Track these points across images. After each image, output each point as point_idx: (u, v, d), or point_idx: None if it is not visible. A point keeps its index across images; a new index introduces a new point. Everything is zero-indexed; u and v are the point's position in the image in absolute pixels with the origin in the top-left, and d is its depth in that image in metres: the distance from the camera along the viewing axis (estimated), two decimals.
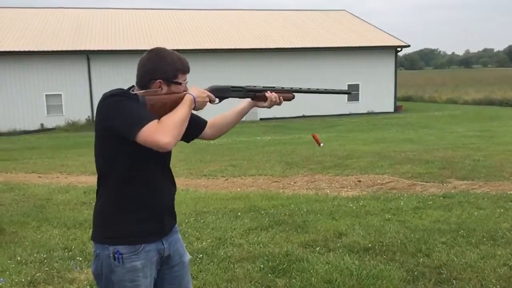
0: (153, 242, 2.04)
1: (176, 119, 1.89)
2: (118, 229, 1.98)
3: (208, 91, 2.17)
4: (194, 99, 2.02)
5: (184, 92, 2.04)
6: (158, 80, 1.99)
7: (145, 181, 2.00)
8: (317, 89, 2.46)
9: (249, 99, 2.34)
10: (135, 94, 1.98)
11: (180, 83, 2.04)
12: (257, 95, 2.29)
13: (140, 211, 2.00)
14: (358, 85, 28.71)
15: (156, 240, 2.06)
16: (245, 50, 26.97)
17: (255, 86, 2.29)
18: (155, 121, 1.84)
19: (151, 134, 1.80)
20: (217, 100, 2.20)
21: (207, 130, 2.35)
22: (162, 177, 2.08)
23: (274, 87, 2.33)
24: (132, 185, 1.98)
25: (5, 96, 23.78)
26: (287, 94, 2.34)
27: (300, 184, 7.81)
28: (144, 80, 2.01)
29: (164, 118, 1.88)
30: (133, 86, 2.06)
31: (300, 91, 2.40)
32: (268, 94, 2.29)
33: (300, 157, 10.72)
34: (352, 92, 2.64)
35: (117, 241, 1.96)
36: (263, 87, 2.30)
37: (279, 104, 2.33)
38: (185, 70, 2.07)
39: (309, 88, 2.43)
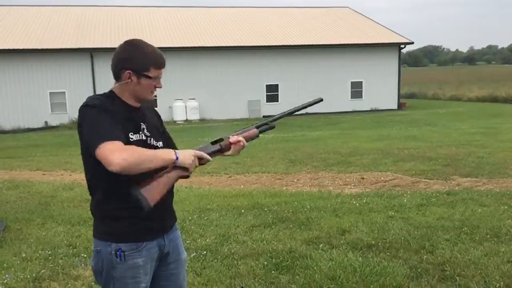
0: (154, 239, 2.05)
1: (143, 153, 1.82)
2: (121, 227, 1.98)
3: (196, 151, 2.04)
4: (176, 158, 1.90)
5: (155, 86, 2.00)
6: (128, 71, 1.96)
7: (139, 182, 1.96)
8: (290, 109, 2.37)
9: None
10: (111, 91, 1.99)
11: (150, 77, 1.98)
12: (223, 147, 2.14)
13: (139, 209, 1.95)
14: (361, 82, 28.66)
15: (158, 237, 2.07)
16: (248, 47, 26.94)
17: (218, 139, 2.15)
18: (119, 142, 1.80)
19: (105, 152, 1.75)
20: (207, 159, 2.05)
21: None
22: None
23: (237, 130, 2.23)
24: (127, 185, 1.92)
25: (9, 94, 23.84)
26: (251, 133, 2.21)
27: (304, 181, 7.81)
28: (116, 69, 1.99)
29: (133, 146, 1.85)
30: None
31: (263, 124, 2.28)
32: (232, 140, 2.14)
33: (303, 154, 10.72)
34: (322, 100, 2.56)
35: (120, 238, 1.97)
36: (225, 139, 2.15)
37: (242, 147, 2.19)
38: (159, 65, 1.99)
39: (274, 117, 2.32)
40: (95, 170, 1.93)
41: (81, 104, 1.94)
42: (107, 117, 1.87)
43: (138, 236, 1.99)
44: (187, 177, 2.00)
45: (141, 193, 1.87)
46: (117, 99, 1.99)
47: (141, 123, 2.03)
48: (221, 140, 2.14)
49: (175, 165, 1.93)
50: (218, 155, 2.14)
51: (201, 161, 2.03)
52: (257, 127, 2.27)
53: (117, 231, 1.98)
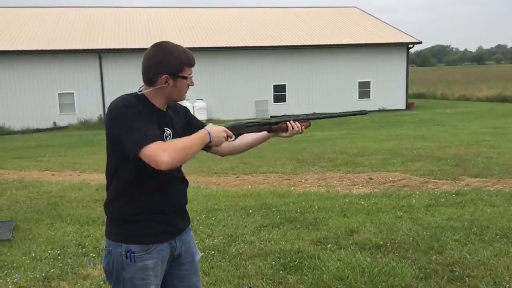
0: (166, 242, 2.05)
1: (183, 144, 1.89)
2: (132, 228, 1.99)
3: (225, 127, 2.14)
4: (209, 133, 1.99)
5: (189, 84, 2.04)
6: (165, 75, 1.96)
7: (155, 184, 2.00)
8: (333, 113, 2.45)
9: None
10: (143, 94, 1.99)
11: (185, 77, 2.01)
12: (273, 127, 2.30)
13: (152, 212, 2.01)
14: (369, 82, 28.54)
15: (169, 239, 2.07)
16: (256, 48, 26.93)
17: (269, 119, 2.31)
18: (160, 141, 1.84)
19: (153, 152, 1.79)
20: (233, 137, 2.18)
21: (222, 147, 2.28)
22: (173, 179, 2.08)
23: (289, 116, 2.33)
24: (143, 188, 1.98)
25: (19, 94, 24.01)
26: (304, 122, 2.33)
27: (311, 182, 7.80)
28: (149, 75, 1.98)
29: (172, 140, 1.90)
30: (142, 86, 2.05)
31: (315, 118, 2.39)
32: (289, 124, 2.27)
33: (311, 154, 10.71)
34: (368, 113, 2.61)
35: (131, 239, 1.98)
36: (275, 120, 2.31)
37: (301, 133, 2.31)
38: (191, 63, 2.02)
39: (325, 114, 2.44)
40: (120, 163, 1.96)
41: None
42: (144, 117, 1.89)
43: (149, 238, 2.00)
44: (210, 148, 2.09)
45: None
46: (147, 102, 2.00)
47: (166, 129, 2.04)
48: (256, 123, 2.29)
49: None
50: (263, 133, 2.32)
51: (228, 138, 2.13)
52: (302, 120, 2.34)
53: (129, 232, 1.99)
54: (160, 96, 2.01)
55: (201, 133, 1.97)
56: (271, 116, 26.33)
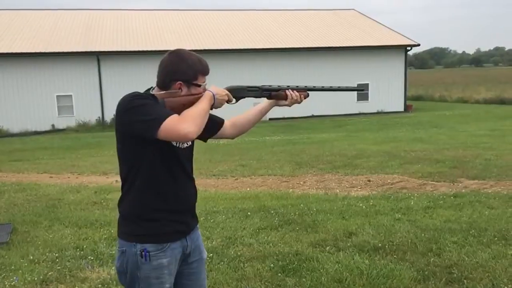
0: (178, 240, 2.08)
1: (197, 110, 1.94)
2: (146, 228, 2.01)
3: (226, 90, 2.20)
4: (214, 95, 2.05)
5: (203, 92, 2.07)
6: (179, 82, 2.01)
7: (169, 183, 2.04)
8: (330, 86, 2.46)
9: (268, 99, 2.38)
10: (153, 95, 2.02)
11: (199, 85, 2.06)
12: (273, 94, 2.33)
13: (166, 211, 2.04)
14: (367, 84, 28.55)
15: (182, 238, 2.10)
16: (254, 50, 26.95)
17: (270, 86, 2.32)
18: (175, 115, 1.87)
19: (172, 126, 1.82)
20: (234, 100, 2.23)
21: (228, 129, 2.38)
22: (185, 178, 2.12)
23: (289, 86, 2.35)
24: (157, 186, 2.02)
25: (17, 97, 23.98)
26: (303, 92, 2.36)
27: (310, 184, 7.80)
28: (165, 81, 2.03)
29: (184, 112, 1.92)
30: (151, 87, 2.09)
31: (313, 89, 2.41)
32: (288, 92, 2.31)
33: (309, 156, 10.71)
34: (364, 90, 2.64)
35: (145, 239, 2.00)
36: (278, 86, 2.33)
37: (300, 102, 2.35)
38: (205, 72, 2.08)
39: (323, 86, 2.44)
40: (135, 160, 1.99)
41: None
42: (151, 102, 1.93)
43: (163, 237, 2.03)
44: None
45: None
46: (157, 102, 2.01)
47: None
48: (257, 88, 2.31)
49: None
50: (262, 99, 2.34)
51: (228, 101, 2.20)
52: (301, 90, 2.37)
53: (144, 232, 2.01)
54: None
55: (207, 95, 2.03)
56: (270, 119, 26.35)
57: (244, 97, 2.28)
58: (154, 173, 2.00)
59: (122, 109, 1.93)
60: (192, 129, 1.84)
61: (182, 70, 2.01)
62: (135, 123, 1.88)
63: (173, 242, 2.06)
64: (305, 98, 2.37)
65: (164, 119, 1.83)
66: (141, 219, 2.02)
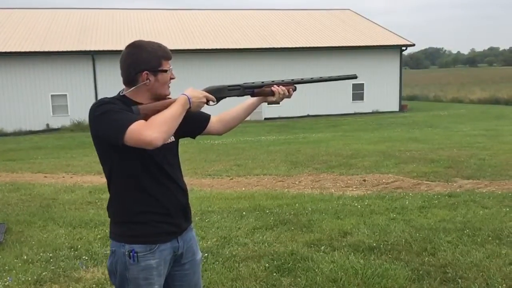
0: (168, 241, 2.05)
1: (166, 115, 1.87)
2: (134, 229, 1.99)
3: (205, 92, 2.13)
4: (189, 99, 1.97)
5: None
6: (145, 72, 1.96)
7: (151, 185, 1.99)
8: (320, 77, 2.39)
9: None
10: (124, 95, 1.98)
11: (165, 71, 2.00)
12: (256, 91, 2.25)
13: (152, 213, 2.01)
14: (363, 84, 28.63)
15: (172, 239, 2.07)
16: (249, 50, 26.95)
17: (253, 83, 2.25)
18: (141, 121, 1.81)
19: (137, 132, 1.76)
20: (214, 101, 2.16)
21: (215, 125, 2.31)
22: (168, 178, 2.06)
23: (273, 81, 2.28)
24: (138, 190, 1.98)
25: (11, 96, 23.88)
26: (289, 86, 2.28)
27: (305, 184, 7.81)
28: (129, 76, 1.97)
29: (152, 117, 1.86)
30: (122, 89, 2.04)
31: (301, 81, 2.34)
32: (274, 88, 2.23)
33: (305, 156, 10.72)
34: (357, 77, 2.51)
35: (134, 240, 1.98)
36: (261, 82, 2.26)
37: (289, 96, 2.27)
38: (168, 56, 2.01)
39: (312, 78, 2.37)
40: (113, 164, 1.96)
41: (85, 104, 1.95)
42: (119, 108, 1.87)
43: (152, 238, 2.00)
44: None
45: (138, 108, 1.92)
46: (131, 102, 1.98)
47: None
48: (238, 86, 2.23)
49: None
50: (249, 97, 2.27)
51: (208, 102, 2.12)
52: (286, 84, 2.29)
53: (131, 232, 1.99)
54: (144, 94, 2.00)
55: (180, 99, 1.95)
56: (265, 119, 26.34)
57: (225, 97, 2.20)
58: (134, 176, 1.96)
59: (89, 118, 1.90)
60: (157, 136, 1.78)
61: (144, 59, 1.95)
62: (101, 131, 1.87)
63: (163, 243, 2.02)
64: (293, 91, 2.29)
65: (128, 126, 1.77)
66: (128, 221, 2.00)
